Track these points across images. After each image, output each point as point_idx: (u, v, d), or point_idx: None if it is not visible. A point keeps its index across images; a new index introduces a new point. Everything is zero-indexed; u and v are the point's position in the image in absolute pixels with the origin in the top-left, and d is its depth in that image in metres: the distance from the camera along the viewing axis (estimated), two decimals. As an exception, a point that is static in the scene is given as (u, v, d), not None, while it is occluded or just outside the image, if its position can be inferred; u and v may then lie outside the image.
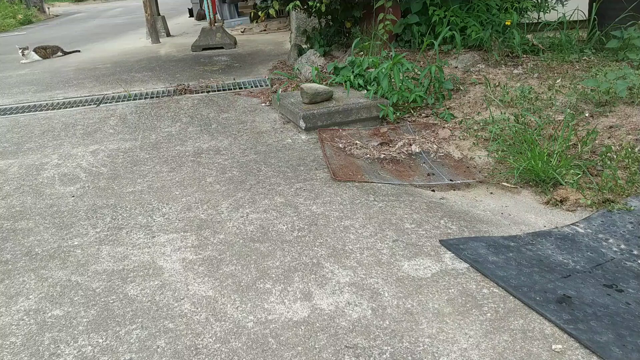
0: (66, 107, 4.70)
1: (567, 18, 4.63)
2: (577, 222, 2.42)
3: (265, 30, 9.34)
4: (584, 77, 3.78)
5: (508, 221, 2.48)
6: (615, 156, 2.79)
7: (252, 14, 9.70)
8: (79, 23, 13.88)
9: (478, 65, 4.42)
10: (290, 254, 2.19)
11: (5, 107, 4.82)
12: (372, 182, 2.88)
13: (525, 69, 4.18)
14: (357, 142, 3.45)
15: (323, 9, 4.96)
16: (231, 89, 5.02)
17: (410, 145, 3.36)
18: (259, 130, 3.79)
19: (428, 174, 3.03)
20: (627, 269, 2.06)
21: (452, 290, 1.92)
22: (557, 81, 3.79)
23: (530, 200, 2.70)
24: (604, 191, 2.57)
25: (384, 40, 4.75)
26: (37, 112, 4.58)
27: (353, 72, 4.23)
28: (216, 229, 2.43)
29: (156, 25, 8.73)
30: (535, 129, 3.17)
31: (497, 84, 3.98)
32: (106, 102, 4.78)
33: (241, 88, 5.05)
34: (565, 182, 2.69)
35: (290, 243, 2.27)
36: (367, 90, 3.96)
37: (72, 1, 23.01)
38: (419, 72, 4.13)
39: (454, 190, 2.86)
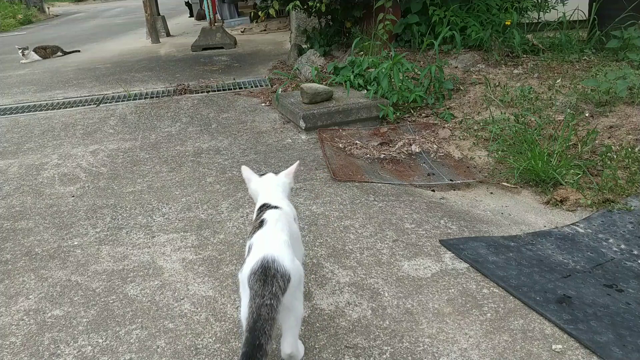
0: (66, 107, 4.70)
1: (567, 18, 4.63)
2: (577, 222, 2.42)
3: (265, 30, 9.34)
4: (584, 77, 3.78)
5: (508, 221, 2.48)
6: (615, 156, 2.79)
7: (252, 13, 9.70)
8: (79, 23, 13.88)
9: (478, 65, 4.42)
10: (290, 254, 2.18)
11: (5, 107, 4.82)
12: (372, 182, 2.88)
13: (526, 69, 4.18)
14: (357, 142, 3.45)
15: (323, 8, 4.96)
16: (231, 89, 5.02)
17: (410, 145, 3.36)
18: (259, 130, 3.79)
19: (428, 174, 3.03)
20: (627, 269, 2.06)
21: (452, 290, 1.92)
22: (557, 81, 3.79)
23: (531, 200, 2.70)
24: (604, 191, 2.57)
25: (384, 40, 4.74)
26: (37, 112, 4.58)
27: (353, 72, 4.23)
28: (216, 229, 2.43)
29: (156, 25, 8.73)
30: (536, 129, 3.17)
31: (497, 83, 3.98)
32: (106, 102, 4.78)
33: (241, 88, 5.05)
34: (566, 182, 2.69)
35: (290, 243, 2.27)
36: (367, 90, 3.96)
37: (72, 1, 23.01)
38: (419, 72, 4.13)
39: (454, 190, 2.86)
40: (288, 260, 1.37)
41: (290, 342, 1.41)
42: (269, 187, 1.75)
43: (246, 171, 1.82)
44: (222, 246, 2.28)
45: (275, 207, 1.60)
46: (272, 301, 1.28)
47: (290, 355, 1.43)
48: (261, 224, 1.51)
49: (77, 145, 3.69)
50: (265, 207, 1.62)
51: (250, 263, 1.37)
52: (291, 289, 1.35)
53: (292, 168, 1.83)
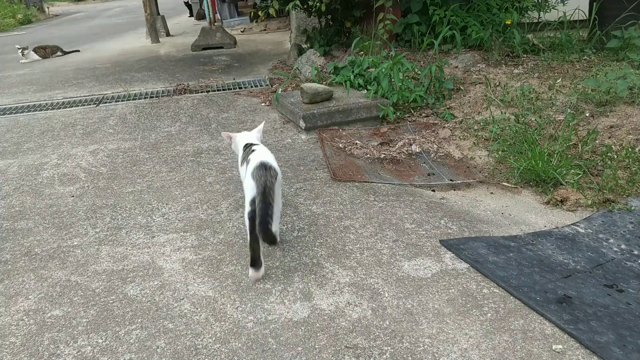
0: (66, 107, 4.69)
1: (568, 18, 4.62)
2: (577, 222, 2.42)
3: (265, 29, 9.33)
4: (585, 76, 3.78)
5: (508, 221, 2.47)
6: (615, 156, 2.79)
7: (252, 13, 9.68)
8: (79, 23, 13.87)
9: (478, 65, 4.42)
10: (290, 254, 2.18)
11: (4, 106, 4.82)
12: (372, 182, 2.87)
13: (526, 69, 4.18)
14: (357, 142, 3.45)
15: (323, 8, 4.95)
16: (231, 89, 5.02)
17: (411, 145, 3.35)
18: (259, 130, 3.78)
19: (428, 174, 3.03)
20: (627, 269, 2.06)
21: (453, 290, 1.91)
22: (558, 81, 3.79)
23: (531, 200, 2.69)
24: (605, 191, 2.56)
25: (384, 40, 4.74)
26: (36, 112, 4.58)
27: (353, 71, 4.22)
28: (216, 229, 2.43)
29: (156, 24, 8.72)
30: (536, 129, 3.16)
31: (497, 83, 3.98)
32: (106, 102, 4.78)
33: (241, 88, 5.05)
34: (566, 182, 2.69)
35: (290, 243, 2.27)
36: (367, 90, 3.95)
37: (71, 1, 22.98)
38: (419, 72, 4.13)
39: (454, 190, 2.86)
40: (275, 164, 2.06)
41: (275, 223, 2.06)
42: (249, 136, 2.38)
43: (225, 133, 2.44)
44: (222, 246, 2.28)
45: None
46: (271, 178, 1.96)
47: (275, 231, 2.04)
48: (253, 150, 2.15)
49: (76, 145, 3.69)
50: (249, 144, 2.26)
51: (253, 164, 2.02)
52: (278, 182, 2.02)
53: (261, 126, 2.48)
